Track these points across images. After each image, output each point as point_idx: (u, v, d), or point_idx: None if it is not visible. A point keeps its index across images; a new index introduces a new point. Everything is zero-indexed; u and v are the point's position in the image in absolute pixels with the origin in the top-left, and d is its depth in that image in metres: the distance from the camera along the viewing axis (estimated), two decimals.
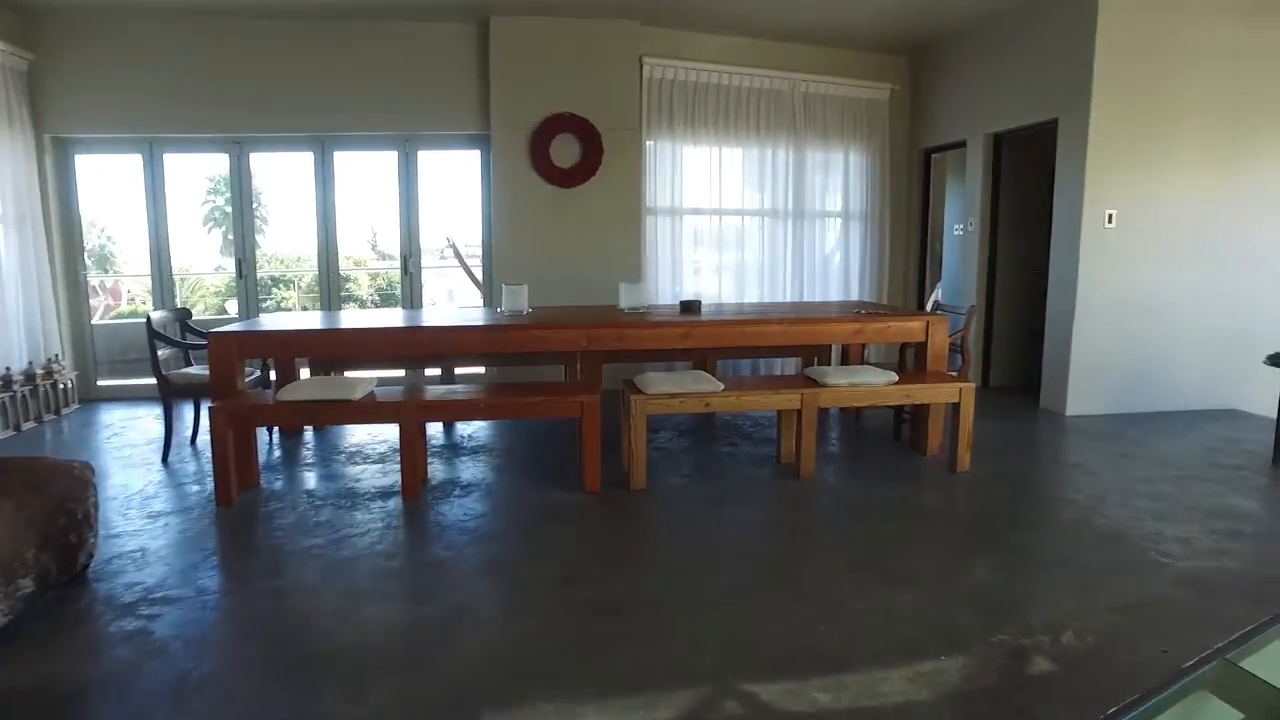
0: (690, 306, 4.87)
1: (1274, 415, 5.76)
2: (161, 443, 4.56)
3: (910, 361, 4.92)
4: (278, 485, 4.10)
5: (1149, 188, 5.50)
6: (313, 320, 4.74)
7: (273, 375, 4.94)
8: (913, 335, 4.57)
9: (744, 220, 7.04)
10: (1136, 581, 2.89)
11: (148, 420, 5.52)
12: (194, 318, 5.18)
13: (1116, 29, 5.28)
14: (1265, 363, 4.31)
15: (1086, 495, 3.86)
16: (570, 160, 6.44)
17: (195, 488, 4.02)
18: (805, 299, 7.22)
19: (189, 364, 5.06)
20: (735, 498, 3.85)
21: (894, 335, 4.57)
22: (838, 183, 7.31)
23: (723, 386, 3.99)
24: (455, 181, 7.23)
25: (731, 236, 7.03)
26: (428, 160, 6.72)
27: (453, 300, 12.58)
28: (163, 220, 6.33)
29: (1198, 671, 2.39)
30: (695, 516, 3.61)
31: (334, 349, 4.43)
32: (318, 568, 3.03)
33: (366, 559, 3.12)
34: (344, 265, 16.30)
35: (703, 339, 4.39)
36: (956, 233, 7.63)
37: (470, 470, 4.35)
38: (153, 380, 4.53)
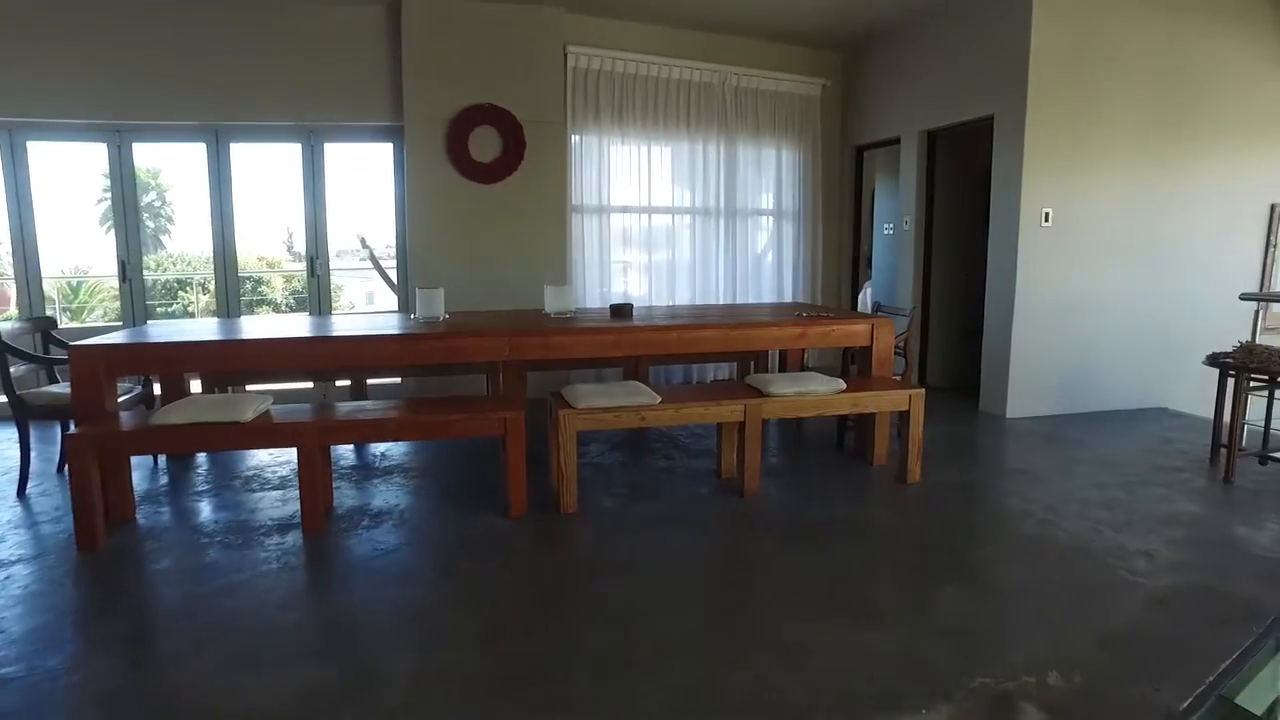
0: (621, 310, 4.53)
1: (1201, 414, 5.82)
2: (17, 473, 3.96)
3: (853, 366, 4.70)
4: (159, 519, 3.58)
5: (1083, 187, 5.44)
6: (206, 329, 4.21)
7: (158, 391, 4.39)
8: (857, 339, 4.35)
9: (674, 219, 6.75)
10: (1111, 606, 2.69)
11: (8, 446, 4.86)
12: (86, 325, 4.56)
13: (1051, 26, 5.18)
14: (1204, 363, 4.24)
15: (1043, 505, 3.69)
16: (490, 154, 6.02)
17: (54, 527, 3.46)
18: (738, 300, 6.98)
19: (54, 380, 4.45)
20: (676, 521, 3.53)
21: (838, 339, 4.33)
22: (770, 180, 7.10)
23: (659, 399, 3.67)
24: (366, 177, 6.69)
25: (661, 236, 6.73)
26: (336, 154, 6.19)
27: (373, 304, 11.91)
28: (27, 216, 5.63)
29: (1195, 714, 2.20)
30: (634, 545, 3.28)
31: (220, 362, 3.91)
32: (195, 627, 2.57)
33: (256, 612, 2.67)
34: (256, 267, 15.43)
35: (636, 346, 4.07)
36: (886, 232, 7.53)
37: (382, 495, 3.91)
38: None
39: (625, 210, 6.56)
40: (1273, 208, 6.13)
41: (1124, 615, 2.62)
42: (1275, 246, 6.18)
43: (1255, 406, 4.41)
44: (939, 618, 2.60)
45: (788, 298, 7.19)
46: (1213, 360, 4.19)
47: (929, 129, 6.23)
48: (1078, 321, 5.56)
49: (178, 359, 3.73)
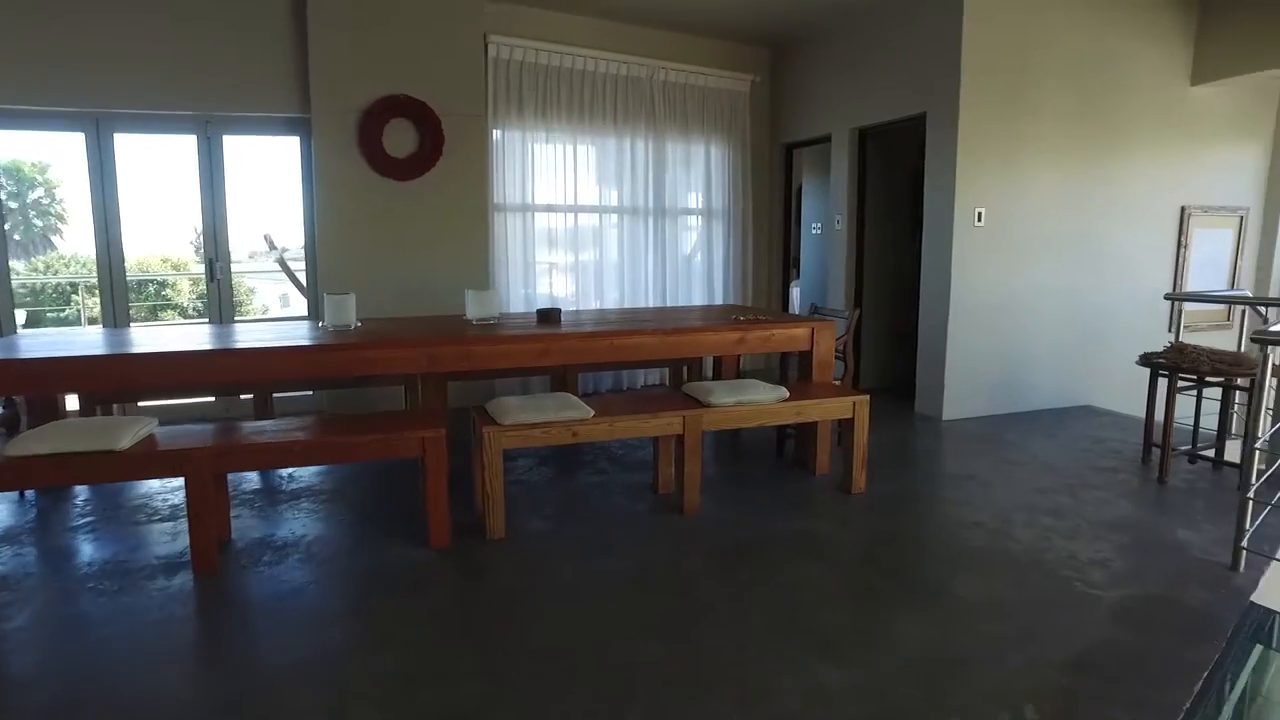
0: (549, 316, 4.26)
1: (1122, 410, 5.91)
2: None
3: (789, 370, 4.54)
4: (19, 564, 3.13)
5: (1015, 186, 5.43)
6: (85, 341, 3.73)
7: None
8: (798, 344, 4.18)
9: (601, 218, 6.50)
10: (1074, 624, 2.57)
11: None
12: None
13: (982, 23, 5.14)
14: (1137, 363, 4.23)
15: (990, 514, 3.59)
16: (406, 149, 5.65)
17: None
18: (668, 303, 6.77)
19: None
20: (613, 544, 3.28)
21: (778, 344, 4.16)
22: (699, 178, 6.92)
23: (592, 412, 3.41)
24: (271, 173, 6.21)
25: (588, 236, 6.46)
26: (237, 147, 5.71)
27: (289, 307, 11.25)
28: None
29: None
30: (568, 573, 3.01)
31: (93, 380, 3.44)
32: (51, 694, 2.18)
33: (129, 673, 2.30)
34: (160, 269, 14.42)
35: (565, 354, 3.80)
36: (814, 231, 7.46)
37: (288, 523, 3.53)
38: None
39: (550, 209, 6.27)
40: (1183, 210, 6.27)
41: (1088, 633, 2.50)
42: (1186, 248, 6.33)
43: (1182, 405, 4.44)
44: (901, 647, 2.43)
45: (719, 300, 7.02)
46: (1145, 361, 4.18)
47: (860, 126, 6.15)
48: (1009, 322, 5.55)
49: (41, 377, 3.26)
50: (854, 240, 6.34)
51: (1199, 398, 4.24)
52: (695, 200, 6.93)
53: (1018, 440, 4.91)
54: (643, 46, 6.43)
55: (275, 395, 4.68)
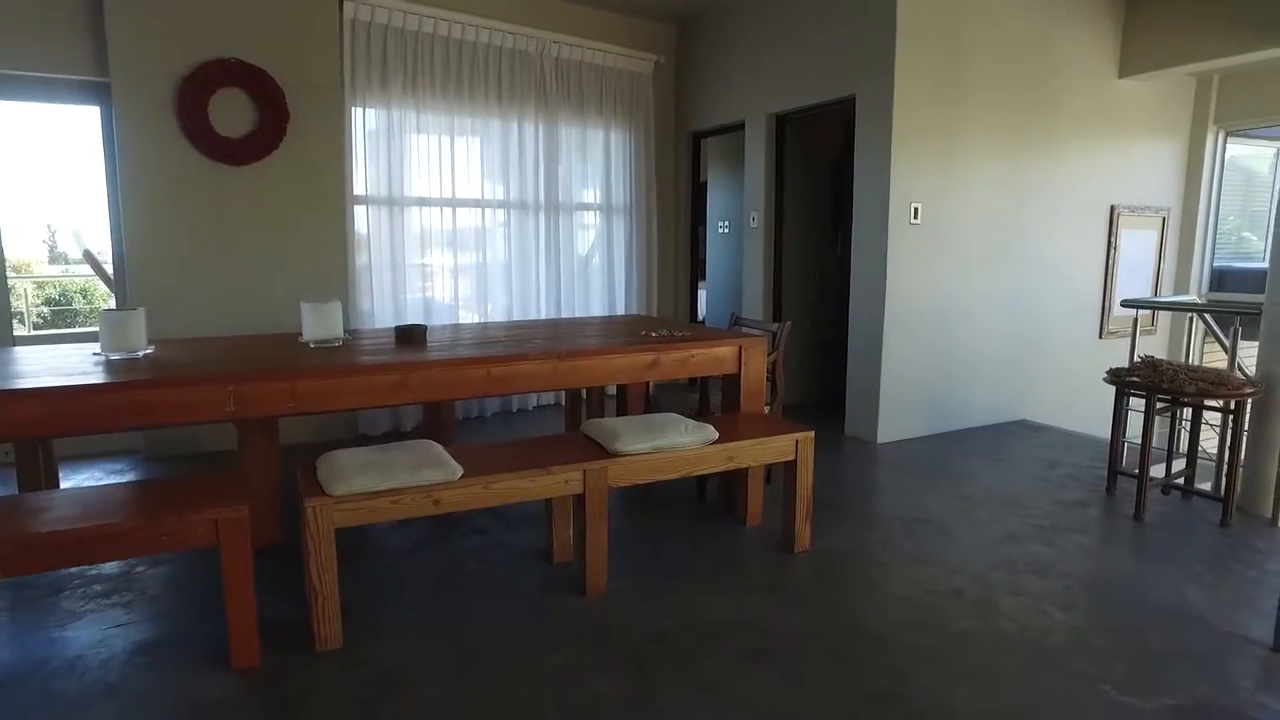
0: (411, 336, 3.35)
1: (1058, 425, 5.47)
2: None
3: (709, 396, 3.77)
4: None
5: (952, 179, 4.86)
6: None
7: None
8: (723, 365, 3.42)
9: (485, 214, 5.57)
10: None
11: None
12: None
13: None
14: (1106, 380, 3.69)
15: (966, 576, 2.92)
16: (241, 127, 4.61)
17: None
18: (564, 313, 5.93)
19: None
20: (487, 650, 2.41)
21: (699, 366, 3.38)
22: (597, 169, 6.10)
23: (459, 471, 2.53)
24: (65, 150, 5.00)
25: (470, 234, 5.53)
26: (14, 115, 4.53)
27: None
28: None
29: None
30: (419, 703, 2.13)
31: None
32: None
33: None
34: None
35: (426, 389, 2.90)
36: (722, 230, 6.78)
37: (44, 637, 2.50)
38: None
39: (424, 203, 5.31)
40: (1112, 209, 5.91)
41: None
42: (1116, 249, 5.97)
43: (1135, 422, 3.95)
44: None
45: (620, 308, 6.23)
46: (1115, 379, 3.63)
47: (778, 112, 5.47)
48: (947, 332, 4.99)
49: None
50: (771, 240, 5.66)
51: (1173, 420, 3.73)
52: (593, 194, 6.11)
53: (965, 467, 4.32)
54: (531, 16, 5.56)
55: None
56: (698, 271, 6.64)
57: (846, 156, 4.98)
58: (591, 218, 6.13)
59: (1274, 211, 7.37)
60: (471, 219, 5.51)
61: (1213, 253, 6.56)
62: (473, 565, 3.04)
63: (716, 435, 2.92)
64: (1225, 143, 6.42)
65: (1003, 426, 5.30)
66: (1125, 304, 4.23)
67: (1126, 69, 5.70)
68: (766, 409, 3.77)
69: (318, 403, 2.73)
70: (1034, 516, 3.57)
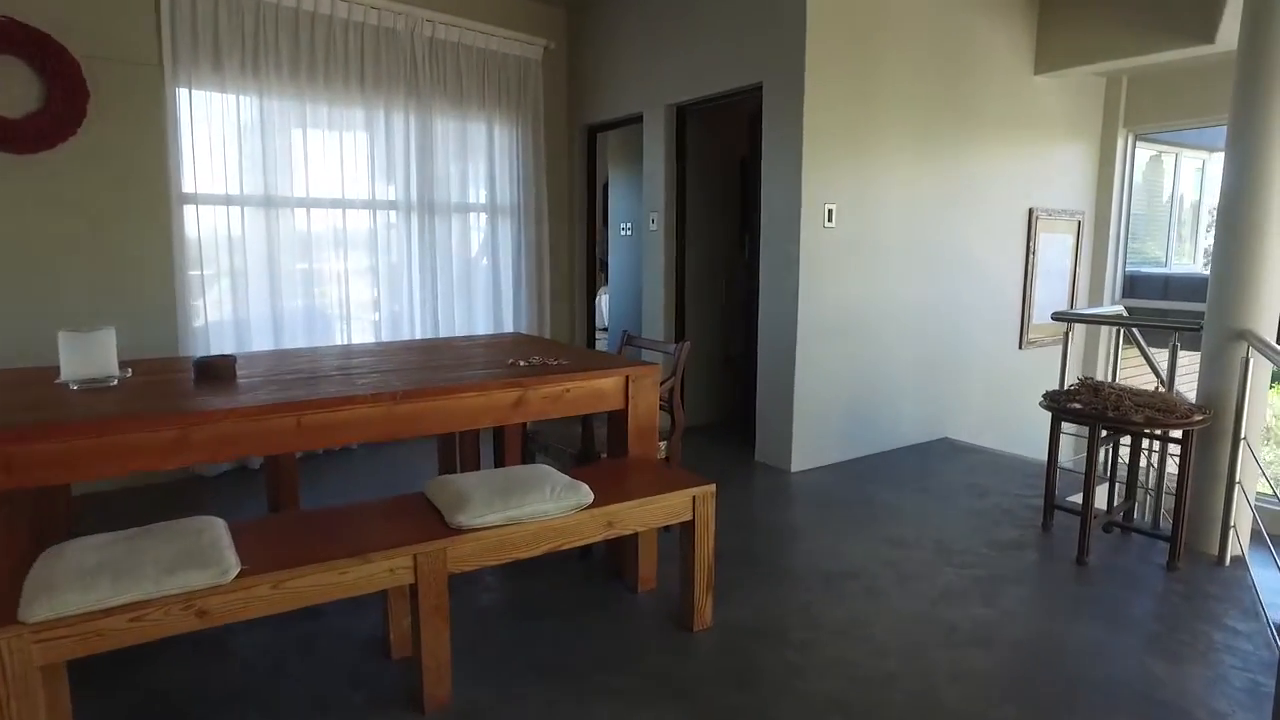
0: (214, 370, 2.63)
1: (982, 444, 5.12)
2: None
3: (592, 434, 3.16)
4: None
5: (868, 178, 4.41)
6: None
7: None
8: (606, 400, 2.82)
9: (345, 215, 4.82)
10: None
11: None
12: None
13: None
14: (1042, 406, 3.27)
15: (900, 656, 2.40)
16: (23, 105, 3.76)
17: None
18: (443, 330, 5.23)
19: None
20: None
21: (576, 403, 2.77)
22: (480, 166, 5.42)
23: (235, 569, 1.85)
24: None
25: (327, 239, 4.77)
26: None
27: None
28: None
29: None
30: None
31: None
32: None
33: None
34: None
35: (218, 445, 2.19)
36: (624, 233, 6.22)
37: None
38: None
39: (269, 203, 4.53)
40: (1031, 213, 5.61)
41: None
42: (1034, 254, 5.68)
43: (1066, 444, 3.57)
44: None
45: (508, 323, 5.57)
46: (1053, 404, 3.21)
47: (678, 103, 4.92)
48: (864, 344, 4.53)
49: None
50: (673, 244, 5.11)
51: (1114, 449, 3.35)
52: (476, 193, 5.43)
53: (891, 501, 3.85)
54: None
55: None
56: (596, 279, 6.04)
57: (755, 155, 4.48)
58: (475, 220, 5.45)
59: (1180, 222, 7.29)
60: (329, 221, 4.76)
61: (1125, 258, 6.37)
62: (291, 663, 2.35)
63: (591, 498, 2.31)
64: (1135, 146, 6.23)
65: (926, 447, 4.89)
66: (1057, 317, 3.86)
67: (1042, 65, 5.40)
68: (663, 445, 3.21)
69: (49, 475, 1.99)
70: (969, 564, 3.11)
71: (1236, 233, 3.06)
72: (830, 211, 4.18)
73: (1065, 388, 3.31)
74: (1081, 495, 3.48)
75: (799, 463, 4.30)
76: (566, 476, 2.40)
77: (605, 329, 7.33)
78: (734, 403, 5.38)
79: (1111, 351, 6.27)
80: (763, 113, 4.26)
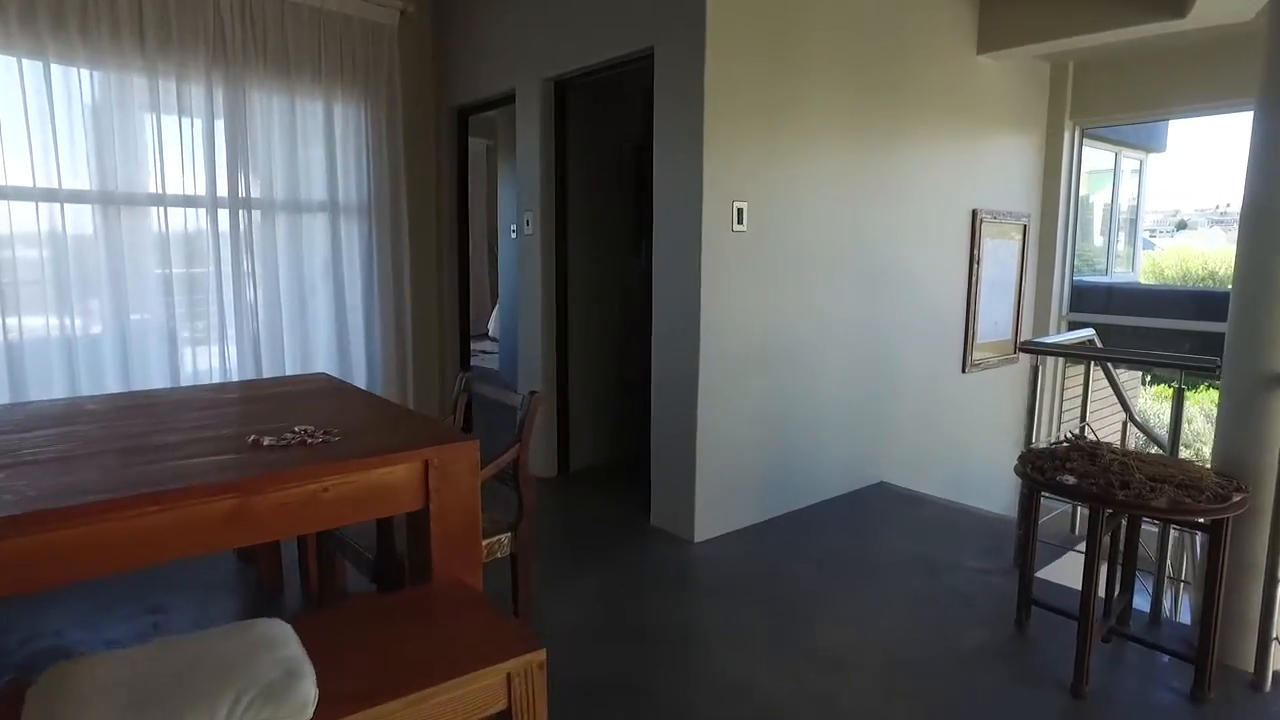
0: None
1: (921, 489, 4.33)
2: None
3: (392, 541, 2.17)
4: None
5: (784, 175, 3.54)
6: None
7: None
8: (392, 500, 1.84)
9: (115, 215, 3.69)
10: None
11: None
12: None
13: None
14: (1018, 472, 2.43)
15: None
16: None
17: None
18: (265, 367, 4.16)
19: None
20: None
21: (337, 509, 1.76)
22: (317, 154, 4.36)
23: None
24: None
25: (87, 244, 3.64)
26: None
27: None
28: None
29: None
30: None
31: None
32: None
33: None
34: None
35: None
36: (514, 235, 5.23)
37: None
38: None
39: (20, 197, 3.40)
40: (974, 215, 4.86)
41: None
42: (979, 263, 4.93)
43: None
44: None
45: (357, 352, 4.52)
46: (1038, 477, 2.36)
47: (556, 76, 3.97)
48: (782, 372, 3.66)
49: None
50: (552, 249, 4.15)
51: (1116, 534, 2.53)
52: (308, 189, 4.36)
53: (821, 587, 2.97)
54: None
55: None
56: (469, 293, 5.03)
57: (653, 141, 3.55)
58: (310, 222, 4.38)
59: (1117, 227, 6.73)
60: (85, 220, 3.62)
61: (1072, 267, 5.71)
62: None
63: (313, 698, 1.32)
64: (1081, 142, 5.58)
65: (860, 497, 4.06)
66: (1026, 348, 3.05)
67: (986, 42, 4.65)
68: (505, 540, 2.26)
69: None
70: (928, 695, 2.25)
71: (1271, 242, 2.28)
72: (740, 211, 3.29)
73: (1048, 445, 2.48)
74: (1055, 580, 2.70)
75: (704, 528, 3.40)
76: (290, 654, 1.40)
77: (494, 340, 6.39)
78: (630, 440, 4.46)
79: (1060, 374, 5.61)
80: (655, 88, 3.34)
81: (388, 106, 4.56)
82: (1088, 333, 3.39)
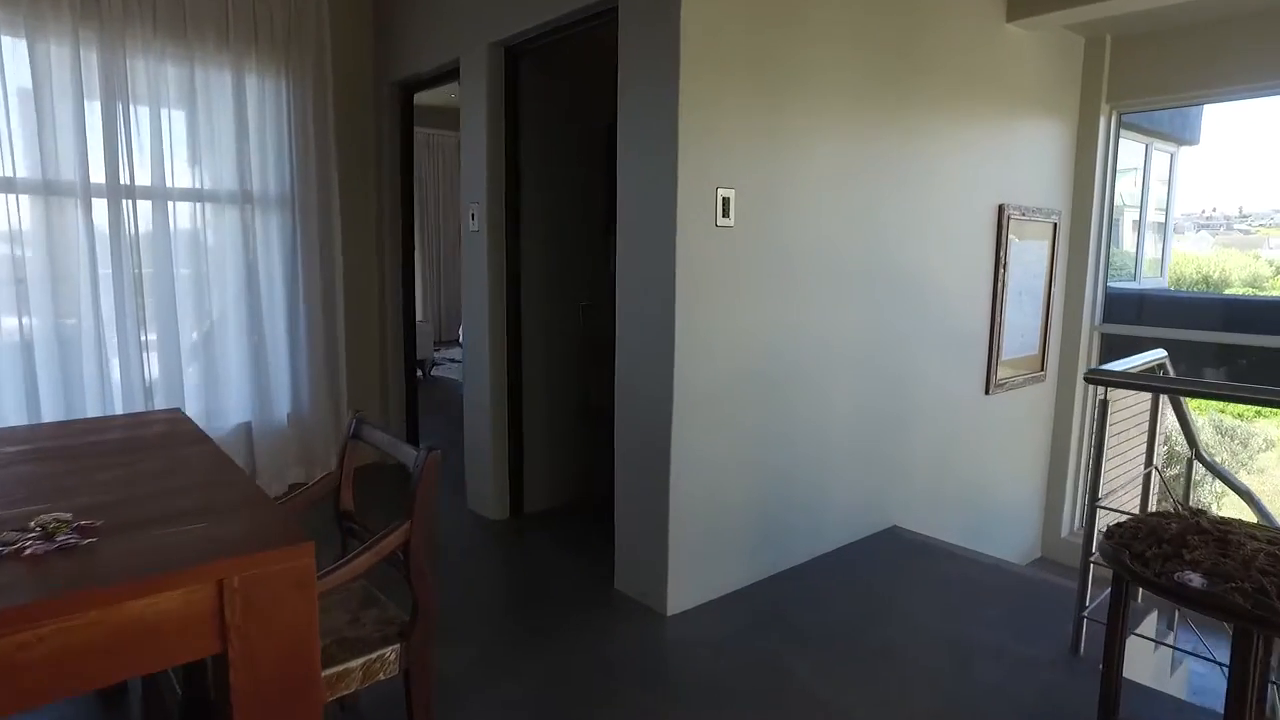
0: None
1: (939, 535, 3.66)
2: None
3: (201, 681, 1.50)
4: None
5: (780, 160, 2.86)
6: None
7: None
8: (166, 648, 1.15)
9: None
10: None
11: None
12: None
13: None
14: (1105, 562, 1.76)
15: None
16: None
17: None
18: (156, 396, 3.46)
19: None
20: None
21: (56, 669, 1.09)
22: (225, 134, 3.66)
23: None
24: None
25: None
26: None
27: None
28: None
29: None
30: None
31: None
32: None
33: None
34: None
35: None
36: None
37: None
38: None
39: None
40: (1001, 211, 4.19)
41: None
42: (1005, 267, 4.26)
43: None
44: None
45: (280, 376, 3.84)
46: (1144, 571, 1.68)
47: (506, 40, 3.28)
48: (774, 404, 2.98)
49: None
50: (502, 250, 3.47)
51: (1253, 651, 1.86)
52: (219, 175, 3.66)
53: (823, 687, 2.28)
54: None
55: None
56: (412, 302, 4.34)
57: None
58: (217, 216, 3.68)
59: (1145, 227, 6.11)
60: None
61: (1106, 272, 5.04)
62: None
63: None
64: (1119, 128, 4.92)
65: (868, 547, 3.39)
66: (1091, 379, 2.38)
67: (1017, 9, 3.99)
68: (390, 655, 1.58)
69: None
70: None
71: None
72: (726, 202, 2.60)
73: (1144, 514, 1.81)
74: (1127, 676, 2.05)
75: (679, 596, 2.71)
76: None
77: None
78: (595, 477, 3.77)
79: (1094, 396, 4.94)
80: (619, 46, 2.66)
81: (315, 79, 3.87)
82: (1159, 354, 2.72)
